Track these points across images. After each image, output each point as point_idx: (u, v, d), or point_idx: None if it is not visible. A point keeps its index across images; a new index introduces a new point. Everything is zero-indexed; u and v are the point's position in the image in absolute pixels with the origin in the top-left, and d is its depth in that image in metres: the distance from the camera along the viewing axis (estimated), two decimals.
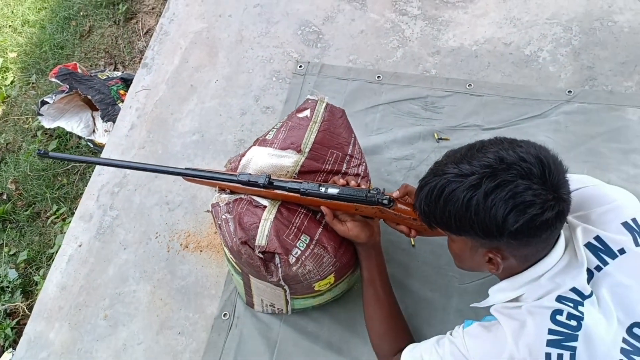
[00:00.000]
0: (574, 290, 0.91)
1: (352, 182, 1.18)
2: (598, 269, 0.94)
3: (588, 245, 0.95)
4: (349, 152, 1.28)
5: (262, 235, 1.14)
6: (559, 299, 0.92)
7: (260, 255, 1.14)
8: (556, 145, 1.46)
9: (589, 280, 0.93)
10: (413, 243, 1.43)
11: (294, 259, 1.15)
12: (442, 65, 1.68)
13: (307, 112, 1.28)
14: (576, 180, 1.02)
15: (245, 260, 1.17)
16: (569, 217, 1.00)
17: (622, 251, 0.94)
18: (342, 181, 1.18)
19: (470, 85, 1.62)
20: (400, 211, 1.17)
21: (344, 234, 1.17)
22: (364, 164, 1.30)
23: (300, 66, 1.76)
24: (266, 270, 1.17)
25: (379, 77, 1.68)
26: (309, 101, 1.30)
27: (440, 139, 1.55)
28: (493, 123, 1.54)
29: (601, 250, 0.95)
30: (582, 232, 0.96)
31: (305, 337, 1.37)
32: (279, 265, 1.15)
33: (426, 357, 1.07)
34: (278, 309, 1.37)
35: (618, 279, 0.92)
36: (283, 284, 1.19)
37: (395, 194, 1.17)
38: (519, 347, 0.91)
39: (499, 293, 1.01)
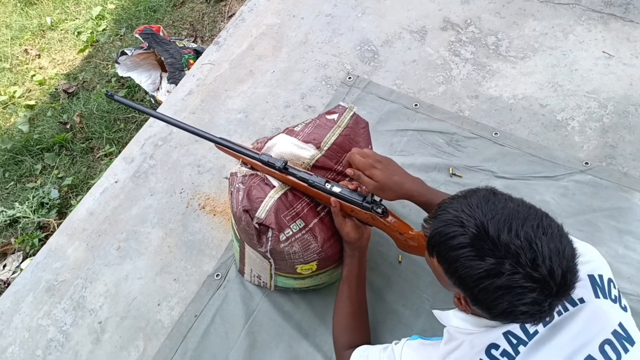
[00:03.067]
0: (522, 326, 0.96)
1: (350, 185, 1.30)
2: (559, 313, 0.97)
3: None
4: None
5: (264, 209, 1.28)
6: (506, 333, 0.96)
7: (257, 226, 1.28)
8: (558, 208, 1.54)
9: (548, 322, 0.96)
10: (400, 259, 1.54)
11: (284, 237, 1.27)
12: (477, 109, 1.78)
13: (335, 116, 1.42)
14: None
15: (243, 226, 1.31)
16: None
17: (581, 300, 0.98)
18: (352, 186, 1.30)
19: (496, 133, 1.71)
20: (390, 223, 1.29)
21: (339, 226, 1.27)
22: None
23: (350, 78, 1.90)
24: (258, 240, 1.30)
25: (416, 105, 1.80)
26: (340, 107, 1.43)
27: (454, 174, 1.64)
28: (507, 173, 1.62)
29: None
30: None
31: (280, 314, 1.48)
32: (270, 238, 1.29)
33: (371, 357, 1.18)
34: (263, 282, 1.50)
35: (574, 325, 0.96)
36: (269, 256, 1.33)
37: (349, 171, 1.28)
38: None
39: (460, 320, 1.03)
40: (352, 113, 1.41)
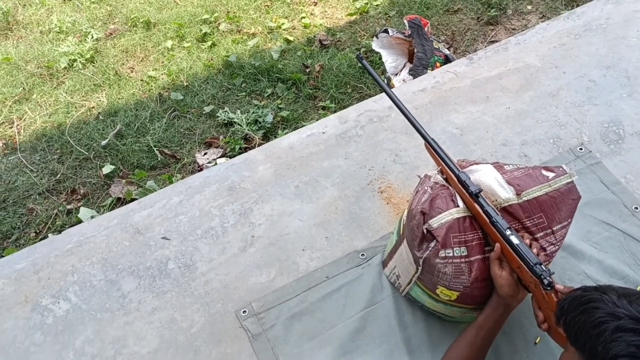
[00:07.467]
0: None
1: (534, 250, 1.26)
2: None
3: None
4: (554, 229, 1.33)
5: (439, 220, 1.30)
6: None
7: (425, 231, 1.31)
8: None
9: None
10: (537, 341, 1.45)
11: (443, 255, 1.28)
12: None
13: (551, 174, 1.36)
14: None
15: (412, 225, 1.35)
16: None
17: None
18: (527, 241, 1.26)
19: None
20: (550, 299, 1.22)
21: (494, 275, 1.25)
22: (557, 246, 1.35)
23: (581, 149, 1.80)
24: (419, 244, 1.33)
25: (636, 208, 1.64)
26: (561, 169, 1.37)
27: None
28: None
29: None
30: None
31: (397, 319, 1.50)
32: (430, 248, 1.31)
33: None
34: (399, 283, 1.53)
35: None
36: (420, 263, 1.35)
37: (560, 287, 1.21)
38: None
39: None
40: (569, 180, 1.35)
